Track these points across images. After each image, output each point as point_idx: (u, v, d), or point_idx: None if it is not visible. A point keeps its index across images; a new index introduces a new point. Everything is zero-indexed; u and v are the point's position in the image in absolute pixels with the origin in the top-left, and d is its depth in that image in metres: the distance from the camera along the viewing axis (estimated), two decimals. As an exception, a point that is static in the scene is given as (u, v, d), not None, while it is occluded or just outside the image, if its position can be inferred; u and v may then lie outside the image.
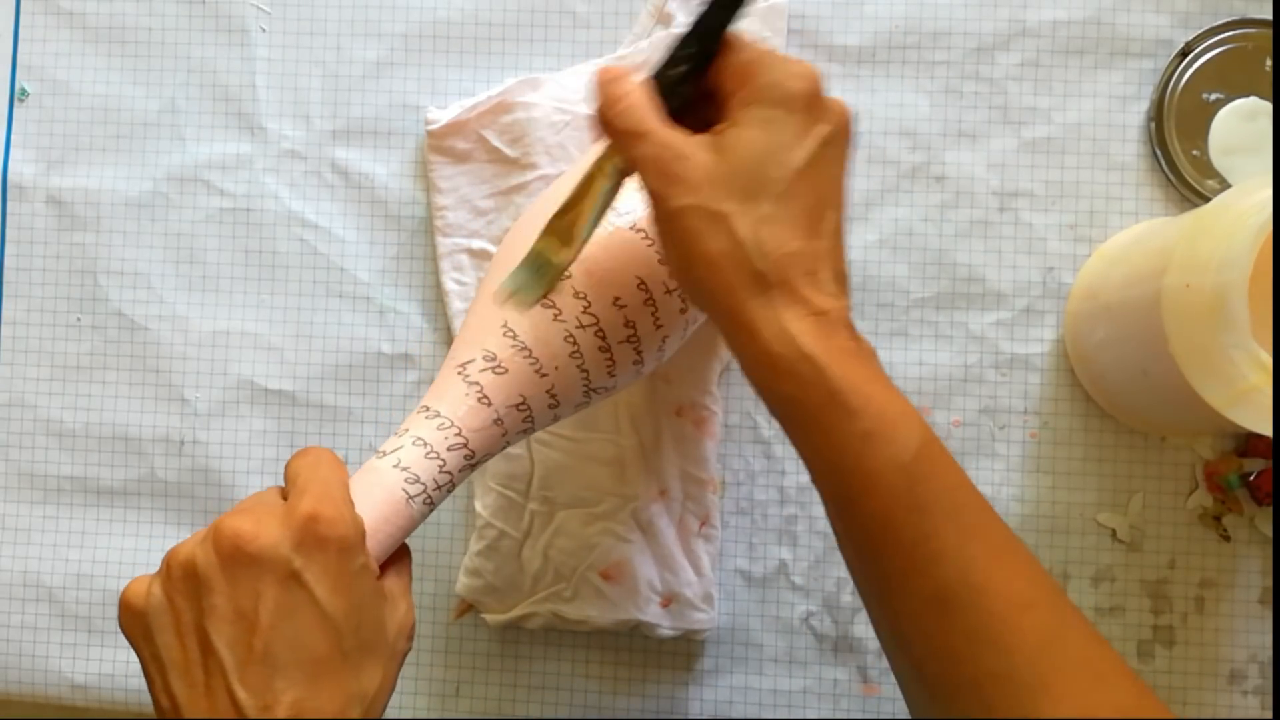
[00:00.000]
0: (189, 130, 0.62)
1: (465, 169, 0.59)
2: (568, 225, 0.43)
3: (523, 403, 0.44)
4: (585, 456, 0.57)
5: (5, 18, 0.63)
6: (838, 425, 0.40)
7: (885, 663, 0.58)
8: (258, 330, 0.61)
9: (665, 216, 0.41)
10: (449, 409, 0.44)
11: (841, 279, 0.42)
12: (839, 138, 0.42)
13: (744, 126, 0.40)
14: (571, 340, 0.45)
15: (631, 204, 0.47)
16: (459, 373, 0.45)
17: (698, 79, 0.42)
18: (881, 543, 0.40)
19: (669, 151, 0.40)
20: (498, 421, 0.44)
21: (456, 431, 0.43)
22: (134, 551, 0.61)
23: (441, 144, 0.59)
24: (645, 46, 0.59)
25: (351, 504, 0.41)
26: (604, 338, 0.45)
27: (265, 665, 0.38)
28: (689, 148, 0.40)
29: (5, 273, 0.62)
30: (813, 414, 0.40)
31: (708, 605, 0.57)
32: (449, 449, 0.43)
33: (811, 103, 0.41)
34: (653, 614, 0.57)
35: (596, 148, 0.44)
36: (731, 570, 0.59)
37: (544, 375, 0.44)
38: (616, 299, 0.45)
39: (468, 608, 0.59)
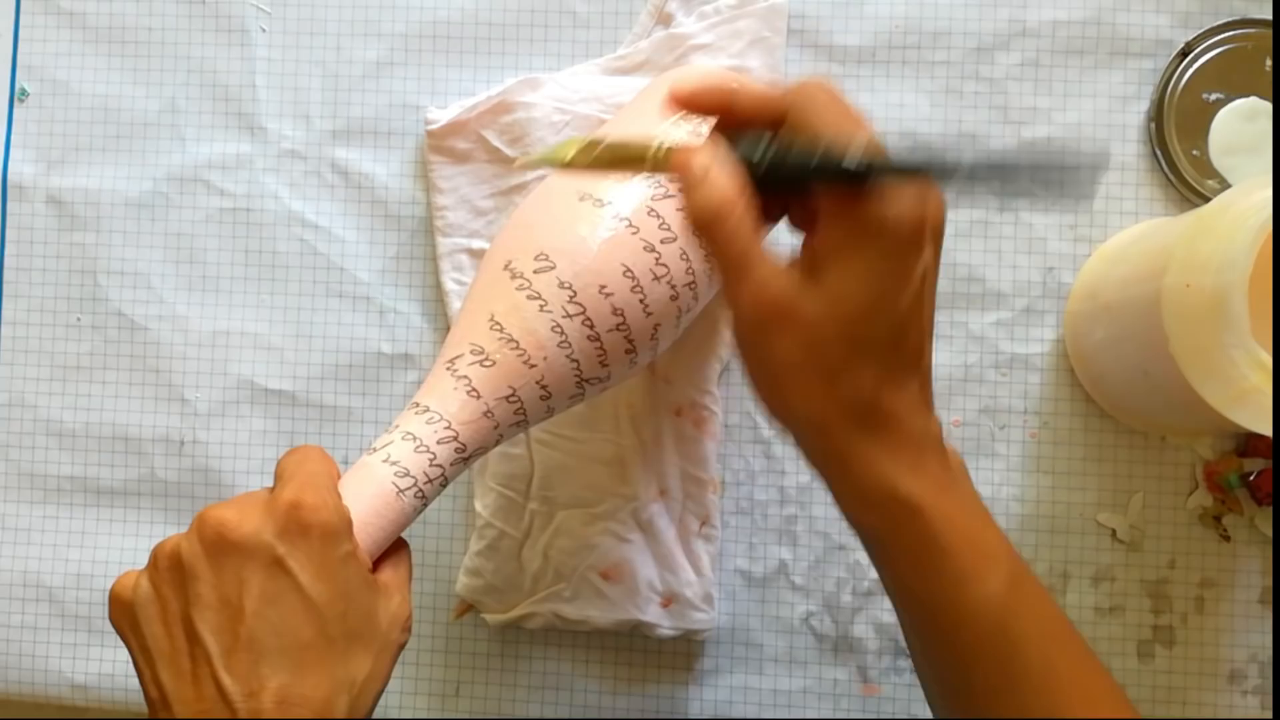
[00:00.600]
0: (189, 130, 0.62)
1: (465, 169, 0.59)
2: (601, 159, 0.41)
3: (512, 394, 0.44)
4: (585, 456, 0.57)
5: (5, 18, 0.63)
6: (931, 564, 0.40)
7: (885, 662, 0.58)
8: (258, 330, 0.61)
9: (761, 361, 0.39)
10: (438, 403, 0.44)
11: (930, 399, 0.41)
12: (935, 258, 0.40)
13: (845, 269, 0.38)
14: (559, 330, 0.45)
15: (614, 194, 0.47)
16: (448, 368, 0.45)
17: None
18: (971, 674, 0.40)
19: (770, 293, 0.38)
20: (488, 414, 0.44)
21: (446, 425, 0.44)
22: (134, 551, 0.61)
23: (441, 144, 0.59)
24: (645, 46, 0.59)
25: (336, 492, 0.41)
26: (592, 326, 0.45)
27: (250, 652, 0.38)
28: (789, 287, 0.38)
29: (5, 273, 0.62)
30: (905, 553, 0.40)
31: (708, 605, 0.57)
32: (439, 442, 0.43)
33: (916, 236, 0.38)
34: (653, 614, 0.57)
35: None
36: (731, 570, 0.59)
37: (532, 366, 0.45)
38: (602, 287, 0.45)
39: (468, 608, 0.59)
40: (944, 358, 0.58)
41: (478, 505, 0.58)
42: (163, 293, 0.61)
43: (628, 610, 0.57)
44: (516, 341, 0.45)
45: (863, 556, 0.58)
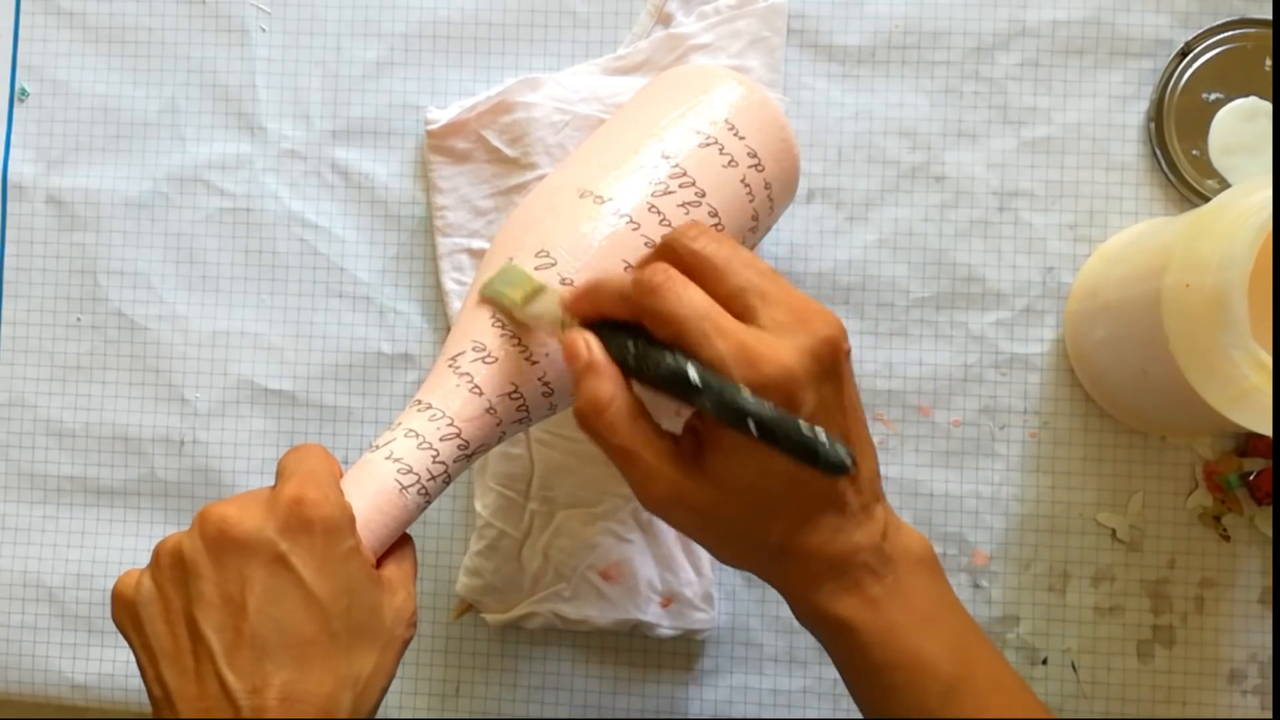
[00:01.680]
0: (189, 130, 0.62)
1: (465, 169, 0.59)
2: (542, 296, 0.44)
3: (515, 391, 0.44)
4: (585, 456, 0.57)
5: (5, 18, 0.63)
6: (867, 680, 0.42)
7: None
8: (258, 330, 0.61)
9: (662, 517, 0.42)
10: (440, 400, 0.44)
11: (867, 499, 0.42)
12: (839, 387, 0.40)
13: (732, 453, 0.39)
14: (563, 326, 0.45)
15: (615, 191, 0.47)
16: (450, 365, 0.45)
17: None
18: None
19: (662, 484, 0.40)
20: (490, 410, 0.44)
21: (449, 422, 0.44)
22: (134, 551, 0.61)
23: (441, 144, 0.59)
24: (645, 46, 0.59)
25: (338, 488, 0.41)
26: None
27: (253, 649, 0.38)
28: (681, 484, 0.40)
29: (5, 273, 0.62)
30: (843, 666, 0.43)
31: (708, 605, 0.57)
32: (442, 439, 0.43)
33: (791, 399, 0.38)
34: (653, 614, 0.57)
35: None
36: (731, 570, 0.59)
37: (534, 363, 0.45)
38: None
39: (468, 608, 0.59)
40: (944, 358, 0.58)
41: (478, 505, 0.58)
42: (163, 293, 0.62)
43: (627, 610, 0.57)
44: (518, 338, 0.45)
45: (863, 556, 0.58)
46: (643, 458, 0.40)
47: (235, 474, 0.61)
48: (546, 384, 0.45)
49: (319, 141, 0.61)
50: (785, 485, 0.40)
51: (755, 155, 0.49)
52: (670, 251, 0.41)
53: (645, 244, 0.46)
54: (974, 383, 0.58)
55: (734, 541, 0.42)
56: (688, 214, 0.47)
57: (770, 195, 0.50)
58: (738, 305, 0.39)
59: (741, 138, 0.48)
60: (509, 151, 0.58)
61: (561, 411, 0.48)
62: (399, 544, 0.44)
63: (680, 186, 0.47)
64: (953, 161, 0.59)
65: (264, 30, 0.62)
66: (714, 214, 0.47)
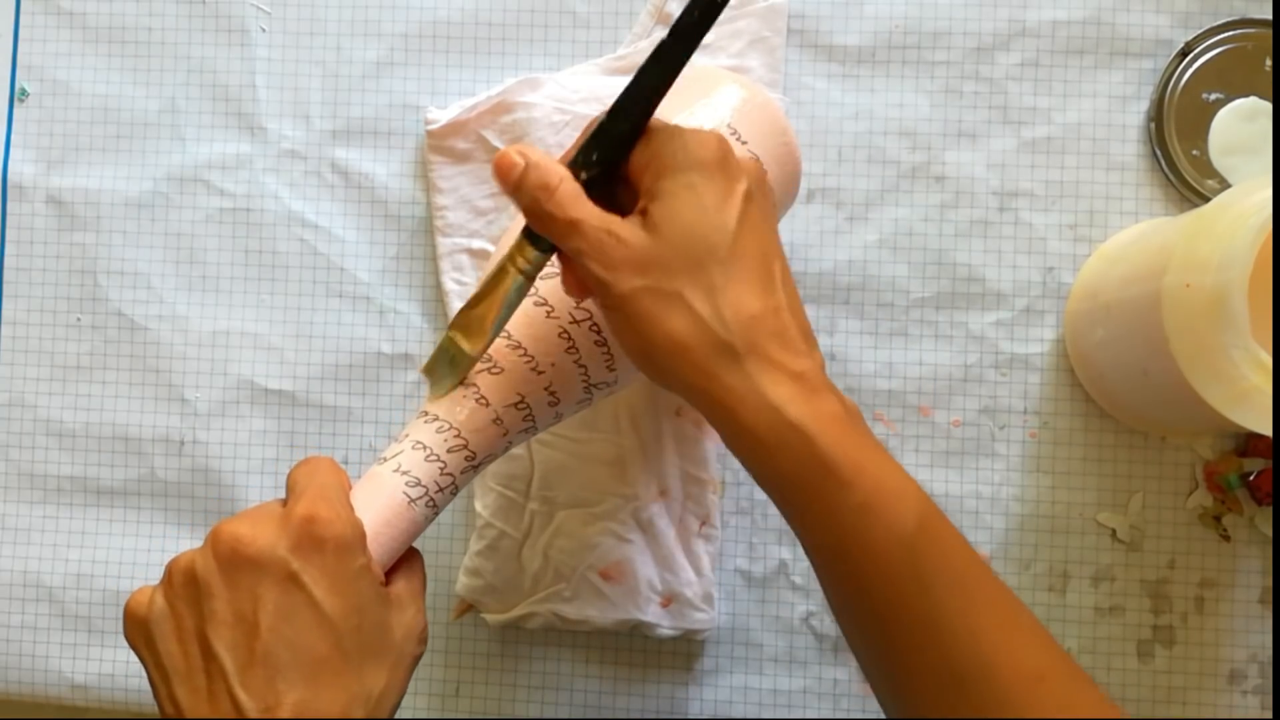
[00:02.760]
0: (189, 130, 0.62)
1: (465, 169, 0.59)
2: (478, 318, 0.43)
3: (521, 401, 0.44)
4: (585, 456, 0.57)
5: (5, 18, 0.63)
6: (832, 498, 0.39)
7: (885, 663, 0.58)
8: (258, 330, 0.61)
9: (614, 303, 0.40)
10: (446, 412, 0.44)
11: (808, 334, 0.41)
12: (760, 192, 0.42)
13: (668, 198, 0.40)
14: (566, 336, 0.45)
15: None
16: (461, 383, 0.45)
17: (616, 164, 0.41)
18: (886, 620, 0.39)
19: (608, 237, 0.40)
20: (497, 421, 0.44)
21: (456, 433, 0.44)
22: (134, 551, 0.61)
23: (441, 144, 0.59)
24: (645, 46, 0.59)
25: (349, 505, 0.41)
26: (599, 331, 0.45)
27: (266, 667, 0.38)
28: (625, 230, 0.40)
29: (5, 273, 0.62)
30: (805, 487, 0.39)
31: (708, 605, 0.57)
32: (449, 451, 0.43)
33: (724, 163, 0.40)
34: (653, 614, 0.57)
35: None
36: (731, 570, 0.59)
37: (540, 373, 0.44)
38: None
39: (468, 608, 0.59)
40: (944, 358, 0.58)
41: (478, 505, 0.58)
42: (163, 293, 0.61)
43: (627, 610, 0.57)
44: (524, 348, 0.44)
45: (863, 556, 0.58)
46: (588, 221, 0.40)
47: (235, 474, 0.61)
48: (552, 393, 0.45)
49: (319, 141, 0.61)
50: (726, 236, 0.40)
51: (756, 158, 0.49)
52: None
53: None
54: (974, 383, 0.58)
55: (678, 303, 0.40)
56: None
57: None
58: None
59: (744, 142, 0.48)
60: (509, 151, 0.58)
61: (567, 419, 0.48)
62: (407, 558, 0.44)
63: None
64: (953, 161, 0.59)
65: (264, 30, 0.62)
66: None
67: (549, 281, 0.45)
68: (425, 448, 0.43)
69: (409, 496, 0.42)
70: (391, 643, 0.40)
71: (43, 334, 0.62)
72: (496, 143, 0.58)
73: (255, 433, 0.61)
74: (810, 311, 0.58)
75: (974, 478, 0.58)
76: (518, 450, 0.57)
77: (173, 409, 0.61)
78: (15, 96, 0.63)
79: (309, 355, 0.61)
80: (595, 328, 0.45)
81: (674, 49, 0.40)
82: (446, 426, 0.44)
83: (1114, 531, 0.57)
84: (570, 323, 0.45)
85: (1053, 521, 0.58)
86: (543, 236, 0.41)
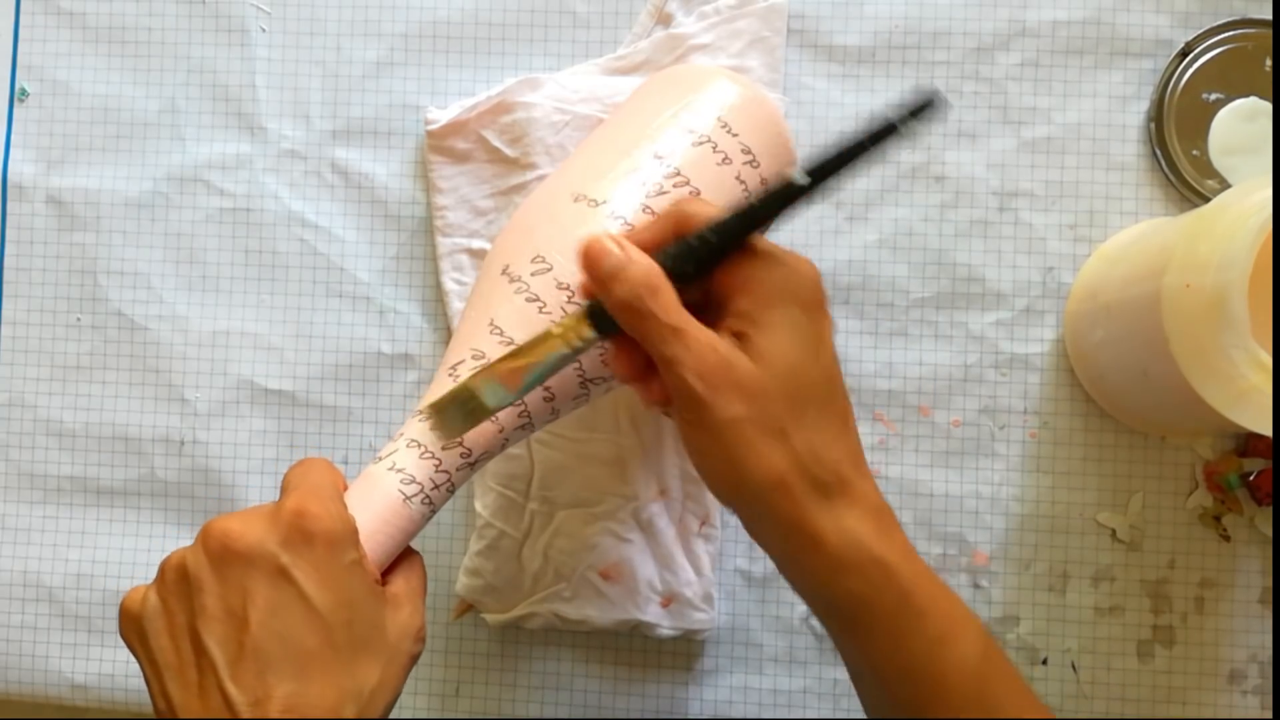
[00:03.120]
0: (189, 130, 0.62)
1: (465, 169, 0.59)
2: (509, 373, 0.42)
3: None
4: (585, 456, 0.57)
5: (5, 18, 0.63)
6: (907, 626, 0.40)
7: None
8: (258, 330, 0.61)
9: (712, 427, 0.40)
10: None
11: (864, 460, 0.42)
12: (832, 327, 0.43)
13: (773, 331, 0.40)
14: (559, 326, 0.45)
15: (609, 193, 0.46)
16: (450, 374, 0.45)
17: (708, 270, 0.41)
18: None
19: (714, 356, 0.40)
20: (493, 419, 0.44)
21: None
22: (134, 551, 0.61)
23: (441, 144, 0.59)
24: (645, 46, 0.59)
25: (340, 501, 0.41)
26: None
27: (256, 661, 0.38)
28: (733, 354, 0.40)
29: (5, 273, 0.62)
30: (882, 616, 0.41)
31: (708, 605, 0.57)
32: (444, 448, 0.43)
33: (823, 301, 0.42)
34: (653, 614, 0.57)
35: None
36: (731, 570, 0.59)
37: None
38: None
39: (468, 608, 0.59)
40: (944, 358, 0.58)
41: (478, 505, 0.58)
42: (163, 293, 0.62)
43: (627, 610, 0.57)
44: (514, 340, 0.44)
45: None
46: (692, 333, 0.40)
47: (235, 474, 0.61)
48: (548, 389, 0.45)
49: (319, 141, 0.61)
50: (824, 380, 0.41)
51: (750, 152, 0.49)
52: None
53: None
54: (974, 383, 0.58)
55: (778, 436, 0.40)
56: None
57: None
58: None
59: (735, 135, 0.48)
60: (509, 151, 0.58)
61: (564, 416, 0.48)
62: (406, 558, 0.44)
63: (675, 187, 0.47)
64: (953, 161, 0.59)
65: (264, 30, 0.62)
66: None
67: (539, 278, 0.45)
68: (420, 445, 0.43)
69: (404, 494, 0.42)
70: (385, 639, 0.40)
71: (43, 334, 0.62)
72: (496, 143, 0.58)
73: (255, 433, 0.61)
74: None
75: (974, 478, 0.58)
76: (518, 450, 0.57)
77: (173, 409, 0.61)
78: (15, 96, 0.63)
79: (309, 355, 0.61)
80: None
81: (802, 191, 0.40)
82: None
83: (1114, 531, 0.57)
84: (563, 314, 0.45)
85: (1053, 521, 0.58)
86: (608, 321, 0.41)
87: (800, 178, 0.40)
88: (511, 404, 0.43)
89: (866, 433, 0.58)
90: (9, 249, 0.63)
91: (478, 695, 0.60)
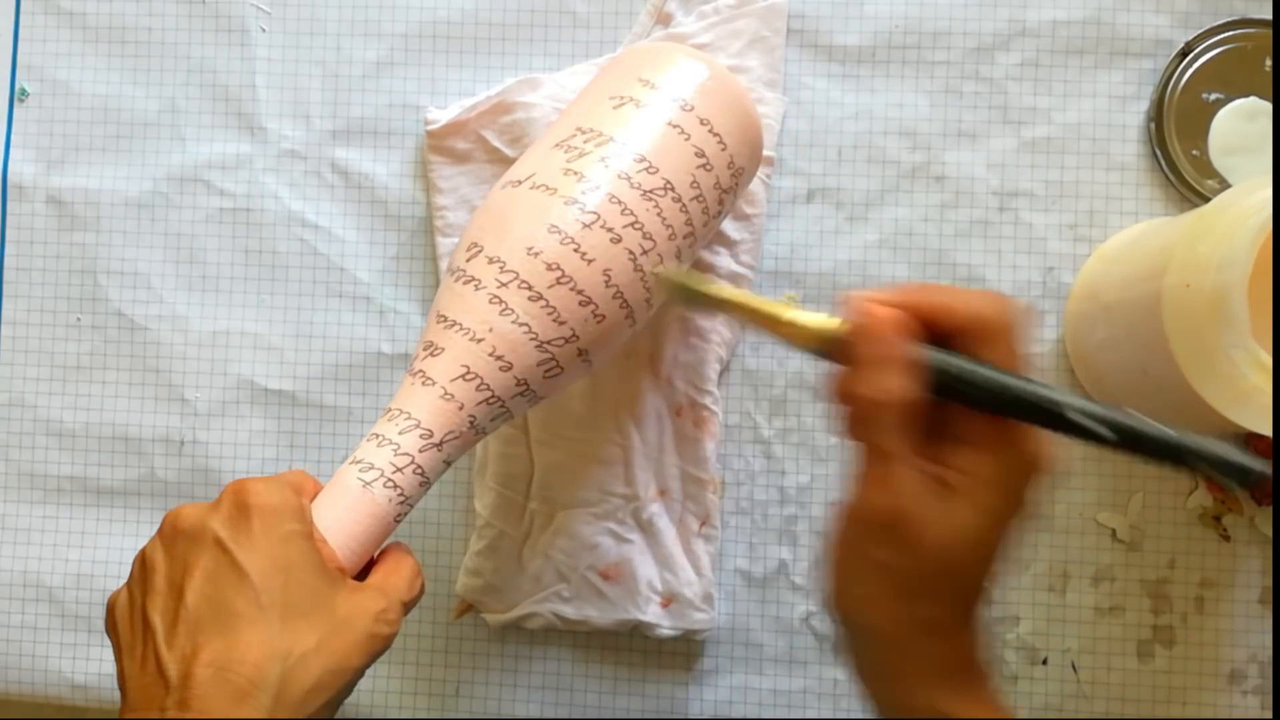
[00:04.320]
0: (189, 130, 0.62)
1: (465, 169, 0.59)
2: (717, 299, 0.43)
3: (468, 372, 0.45)
4: (585, 456, 0.57)
5: (5, 18, 0.63)
6: None
7: (885, 663, 0.58)
8: (258, 330, 0.61)
9: (862, 560, 0.39)
10: (399, 402, 0.46)
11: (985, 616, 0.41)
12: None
13: (984, 505, 0.38)
14: (497, 300, 0.45)
15: (529, 168, 0.47)
16: (408, 373, 0.47)
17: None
18: None
19: (905, 506, 0.38)
20: (446, 396, 0.45)
21: (406, 416, 0.45)
22: (134, 551, 0.61)
23: (441, 144, 0.59)
24: (644, 46, 0.58)
25: (286, 484, 0.43)
26: (530, 287, 0.45)
27: (187, 625, 0.39)
28: (922, 507, 0.38)
29: (5, 273, 0.62)
30: None
31: (708, 605, 0.57)
32: (401, 433, 0.45)
33: (1033, 491, 0.39)
34: (653, 614, 0.57)
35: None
36: (731, 570, 0.59)
37: (479, 340, 0.45)
38: (530, 249, 0.46)
39: (468, 608, 0.59)
40: (944, 358, 0.58)
41: (478, 505, 0.58)
42: (163, 293, 0.61)
43: (628, 610, 0.57)
44: (459, 323, 0.46)
45: (863, 556, 0.58)
46: (902, 464, 0.38)
47: (235, 474, 0.61)
48: (500, 357, 0.45)
49: (319, 141, 0.61)
50: (989, 561, 0.39)
51: (718, 134, 0.49)
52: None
53: (565, 202, 0.46)
54: (974, 383, 0.58)
55: (911, 595, 0.39)
56: (644, 195, 0.47)
57: (728, 154, 0.50)
58: None
59: (705, 121, 0.49)
60: (509, 152, 0.58)
61: (544, 396, 0.48)
62: (393, 554, 0.45)
63: (640, 173, 0.47)
64: (953, 161, 0.59)
65: (264, 30, 0.62)
66: (668, 187, 0.48)
67: (474, 262, 0.46)
68: (378, 436, 0.45)
69: (363, 481, 0.44)
70: (328, 610, 0.41)
71: (43, 334, 0.62)
72: (496, 143, 0.58)
73: (255, 433, 0.61)
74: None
75: (974, 478, 0.58)
76: (518, 450, 0.57)
77: (173, 409, 0.61)
78: (15, 96, 0.63)
79: (309, 355, 0.61)
80: (525, 285, 0.45)
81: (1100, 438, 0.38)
82: (398, 413, 0.45)
83: (1114, 531, 0.57)
84: (498, 287, 0.45)
85: (1053, 521, 0.58)
86: (834, 348, 0.40)
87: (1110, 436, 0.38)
88: (712, 302, 0.44)
89: (866, 433, 0.58)
90: (9, 249, 0.63)
91: (478, 695, 0.60)
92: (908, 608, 0.39)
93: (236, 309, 0.61)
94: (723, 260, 0.58)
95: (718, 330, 0.58)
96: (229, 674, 0.38)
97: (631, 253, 0.47)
